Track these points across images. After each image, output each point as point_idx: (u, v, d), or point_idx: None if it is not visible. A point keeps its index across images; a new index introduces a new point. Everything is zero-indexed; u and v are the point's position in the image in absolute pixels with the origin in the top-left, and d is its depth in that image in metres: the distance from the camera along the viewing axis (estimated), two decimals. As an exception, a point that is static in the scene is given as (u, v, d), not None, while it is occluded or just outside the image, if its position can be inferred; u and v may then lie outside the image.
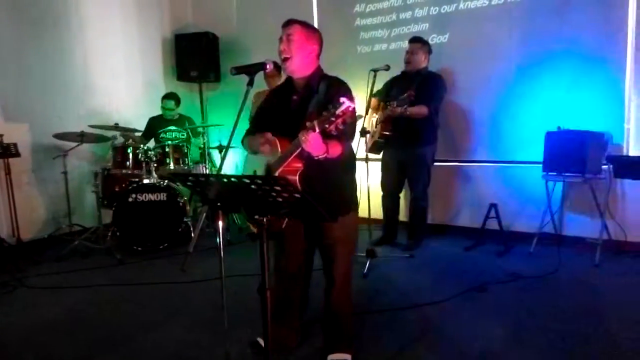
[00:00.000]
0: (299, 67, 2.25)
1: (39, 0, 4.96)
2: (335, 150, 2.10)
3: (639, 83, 4.08)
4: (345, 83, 2.32)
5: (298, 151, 2.00)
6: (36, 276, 3.98)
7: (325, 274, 2.43)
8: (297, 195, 1.55)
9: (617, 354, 2.47)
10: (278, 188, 1.53)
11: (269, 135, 2.18)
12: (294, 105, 2.28)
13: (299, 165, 2.09)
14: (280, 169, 2.08)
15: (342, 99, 1.83)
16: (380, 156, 4.57)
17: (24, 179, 4.85)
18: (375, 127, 4.38)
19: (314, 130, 1.90)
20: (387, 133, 4.24)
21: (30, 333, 2.94)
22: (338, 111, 1.83)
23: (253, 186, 1.57)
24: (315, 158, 2.02)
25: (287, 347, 2.54)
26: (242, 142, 2.46)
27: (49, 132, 4.52)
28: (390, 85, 4.40)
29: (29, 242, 4.71)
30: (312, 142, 1.94)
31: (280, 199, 1.58)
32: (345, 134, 2.13)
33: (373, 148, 4.38)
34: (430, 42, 4.84)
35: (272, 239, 2.37)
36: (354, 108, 1.85)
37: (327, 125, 1.86)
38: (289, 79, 2.35)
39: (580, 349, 2.52)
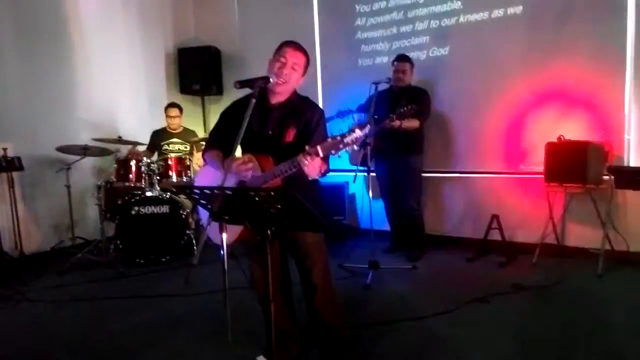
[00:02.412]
0: (286, 93, 2.33)
1: (43, 13, 5.02)
2: (324, 169, 2.18)
3: (639, 94, 4.10)
4: (318, 106, 2.42)
5: (293, 171, 2.04)
6: (39, 289, 3.98)
7: (305, 282, 2.41)
8: (278, 205, 1.58)
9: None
10: (258, 199, 1.56)
11: (248, 156, 2.18)
12: (272, 123, 2.31)
13: (278, 182, 2.13)
14: (263, 186, 2.10)
15: (356, 129, 1.90)
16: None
17: (27, 193, 4.87)
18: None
19: (318, 155, 1.96)
20: (379, 145, 4.34)
21: (33, 346, 2.94)
22: (348, 139, 1.90)
23: (257, 198, 1.59)
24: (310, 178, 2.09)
25: (290, 357, 2.53)
26: (204, 154, 2.47)
27: (52, 145, 4.54)
28: (380, 100, 4.42)
29: (31, 255, 4.73)
30: (315, 166, 2.02)
31: (283, 212, 1.60)
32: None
33: (364, 160, 4.41)
34: (430, 54, 4.93)
35: (250, 250, 2.41)
36: (360, 137, 1.91)
37: (333, 152, 1.93)
38: (262, 94, 2.30)
39: (584, 360, 2.51)
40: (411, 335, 2.87)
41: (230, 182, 2.15)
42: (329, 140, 1.93)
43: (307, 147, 1.97)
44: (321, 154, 1.95)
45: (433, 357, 2.62)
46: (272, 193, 1.61)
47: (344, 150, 1.93)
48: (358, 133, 1.88)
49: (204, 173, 2.47)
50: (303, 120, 2.28)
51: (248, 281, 2.47)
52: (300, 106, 2.34)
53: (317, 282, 2.37)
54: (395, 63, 4.54)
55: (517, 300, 3.40)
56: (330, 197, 5.33)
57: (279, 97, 2.33)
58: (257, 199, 1.62)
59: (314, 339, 2.54)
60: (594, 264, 3.89)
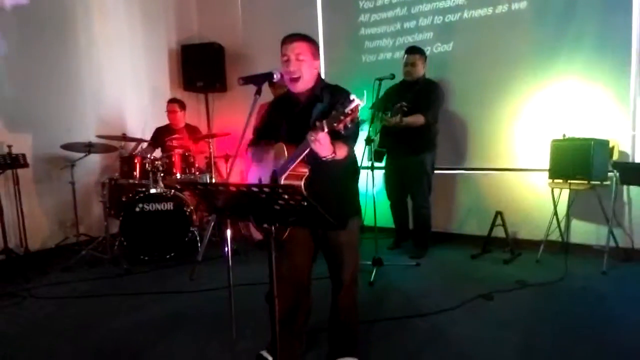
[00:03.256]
0: (307, 84, 2.27)
1: (46, 11, 5.02)
2: (342, 151, 2.12)
3: (644, 90, 4.08)
4: (344, 88, 2.33)
5: (306, 152, 2.00)
6: (44, 286, 4.00)
7: (333, 278, 2.43)
8: (304, 203, 1.56)
9: (626, 362, 2.46)
10: (285, 196, 1.54)
11: (278, 145, 2.21)
12: (297, 115, 2.29)
13: (305, 170, 2.10)
14: (286, 174, 2.09)
15: (352, 97, 1.84)
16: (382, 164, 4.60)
17: (32, 190, 4.88)
18: (376, 135, 4.42)
19: (323, 130, 1.90)
20: (381, 149, 4.34)
21: (38, 343, 2.95)
22: (348, 109, 1.83)
23: (262, 195, 1.59)
24: (323, 159, 2.02)
25: (295, 356, 2.54)
26: (247, 152, 2.49)
27: (57, 142, 4.56)
28: (391, 94, 4.40)
29: (36, 252, 4.74)
30: (321, 142, 1.94)
31: (288, 207, 1.59)
32: (351, 136, 2.16)
33: (374, 156, 4.41)
34: (434, 51, 4.89)
35: (276, 247, 2.38)
36: (360, 104, 1.84)
37: (336, 124, 1.86)
38: (288, 92, 2.35)
39: (587, 357, 2.50)
40: (415, 332, 2.87)
41: (267, 174, 2.20)
42: (333, 113, 1.87)
43: (316, 123, 1.92)
44: (325, 128, 1.89)
45: (437, 353, 2.62)
46: (299, 196, 1.57)
47: (349, 124, 1.86)
48: (357, 101, 1.83)
49: (251, 169, 2.49)
50: (329, 106, 2.15)
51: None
52: (325, 93, 2.27)
53: (344, 281, 2.39)
54: (406, 56, 4.47)
55: (521, 297, 3.40)
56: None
57: (302, 92, 2.29)
58: (262, 195, 1.60)
59: (328, 334, 2.54)
60: (599, 260, 3.87)
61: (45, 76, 5.01)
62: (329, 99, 2.24)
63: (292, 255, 2.35)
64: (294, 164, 2.07)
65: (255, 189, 1.62)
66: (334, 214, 1.59)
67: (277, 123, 2.36)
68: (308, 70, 2.23)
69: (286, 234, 2.07)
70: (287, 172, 2.09)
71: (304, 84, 2.25)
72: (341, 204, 2.25)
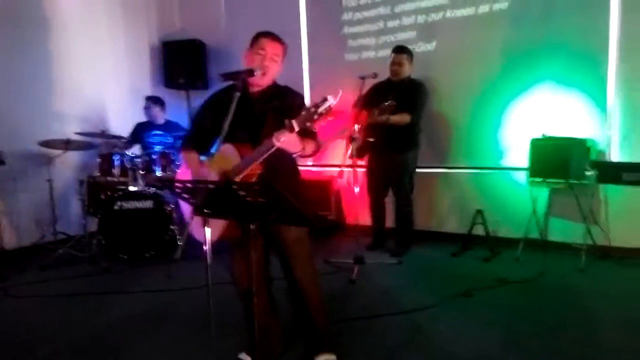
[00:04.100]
0: (267, 83, 2.33)
1: (23, 5, 4.93)
2: (311, 147, 2.19)
3: (622, 90, 4.15)
4: (299, 93, 2.42)
5: (270, 152, 2.01)
6: (20, 285, 3.93)
7: (288, 278, 2.40)
8: (261, 199, 1.57)
9: (604, 357, 2.49)
10: (242, 193, 1.55)
11: (226, 146, 2.15)
12: (252, 115, 2.28)
13: (258, 168, 2.10)
14: (242, 174, 2.07)
15: (328, 97, 1.87)
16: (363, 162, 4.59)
17: (9, 187, 4.79)
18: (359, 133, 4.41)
19: (292, 130, 1.92)
20: (370, 139, 4.28)
21: (15, 342, 2.90)
22: (322, 109, 1.87)
23: (241, 192, 1.58)
24: (295, 156, 2.10)
25: (273, 354, 2.53)
26: (181, 150, 2.47)
27: (34, 139, 4.47)
28: (374, 93, 4.41)
29: (13, 250, 4.66)
30: (289, 141, 2.00)
31: (268, 204, 1.58)
32: (315, 133, 2.23)
33: (356, 152, 4.40)
34: (417, 50, 4.90)
35: (230, 245, 2.40)
36: (333, 105, 1.88)
37: (309, 124, 1.90)
38: (237, 86, 2.26)
39: (566, 352, 2.54)
40: (396, 330, 2.88)
41: (212, 176, 2.15)
42: (303, 113, 1.91)
43: (286, 122, 1.94)
44: (296, 128, 1.92)
45: (417, 351, 2.63)
46: (256, 186, 1.59)
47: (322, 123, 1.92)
48: (330, 101, 1.86)
49: (182, 172, 2.46)
50: (284, 107, 2.23)
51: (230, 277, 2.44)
52: (280, 94, 2.33)
53: (300, 278, 2.37)
54: (392, 55, 4.47)
55: (501, 294, 3.43)
56: (316, 193, 5.32)
57: (258, 88, 2.33)
58: (241, 192, 1.60)
59: (299, 333, 2.53)
60: (577, 258, 3.93)
61: (22, 72, 4.91)
62: (282, 100, 2.29)
63: (243, 253, 2.33)
64: (255, 164, 2.07)
65: (235, 187, 1.61)
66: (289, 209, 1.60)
67: (217, 119, 2.21)
68: (274, 73, 2.32)
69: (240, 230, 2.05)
70: (245, 173, 2.07)
71: (267, 81, 2.31)
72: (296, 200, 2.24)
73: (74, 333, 3.01)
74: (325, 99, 1.86)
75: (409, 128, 4.36)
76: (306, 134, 2.07)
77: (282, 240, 2.33)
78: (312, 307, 2.42)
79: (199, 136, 2.38)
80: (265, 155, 2.03)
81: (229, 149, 2.14)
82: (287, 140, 1.97)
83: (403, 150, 4.45)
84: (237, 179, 2.07)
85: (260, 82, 2.29)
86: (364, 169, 4.67)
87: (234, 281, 2.45)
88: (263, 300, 2.44)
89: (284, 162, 2.20)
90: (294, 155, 2.11)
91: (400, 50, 4.48)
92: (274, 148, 1.99)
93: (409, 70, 4.48)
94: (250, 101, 2.31)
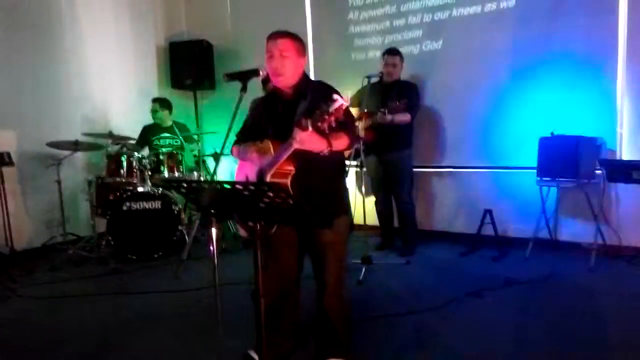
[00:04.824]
0: (290, 80, 2.27)
1: (32, 7, 4.96)
2: (342, 142, 2.13)
3: (631, 87, 4.11)
4: (329, 85, 2.34)
5: (290, 151, 2.00)
6: (30, 286, 3.95)
7: (317, 279, 2.39)
8: (290, 201, 1.55)
9: (614, 357, 2.46)
10: (271, 194, 1.53)
11: (265, 142, 2.19)
12: (283, 112, 2.28)
13: (291, 168, 2.09)
14: (272, 172, 2.08)
15: (335, 97, 1.85)
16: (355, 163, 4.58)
17: (18, 188, 4.82)
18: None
19: (306, 129, 1.90)
20: (372, 138, 4.31)
21: (23, 343, 2.92)
22: (331, 109, 1.84)
23: (246, 192, 1.57)
24: (319, 154, 2.03)
25: (282, 355, 2.52)
26: (232, 151, 2.47)
27: (43, 140, 4.50)
28: (367, 94, 4.38)
29: (22, 251, 4.68)
30: (305, 141, 1.95)
31: (274, 205, 1.57)
32: (350, 127, 2.18)
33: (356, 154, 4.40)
34: (423, 48, 4.91)
35: (262, 245, 2.37)
36: (347, 106, 1.86)
37: (319, 123, 1.86)
38: (274, 89, 2.35)
39: (576, 353, 2.51)
40: (404, 330, 2.87)
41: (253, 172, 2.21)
42: (317, 112, 1.88)
43: (302, 121, 1.92)
44: (309, 127, 1.89)
45: (426, 351, 2.61)
46: (283, 193, 1.56)
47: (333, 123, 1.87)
48: (340, 100, 1.84)
49: (240, 166, 2.47)
50: (314, 102, 2.12)
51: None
52: (310, 89, 2.27)
53: (328, 282, 2.35)
54: (386, 56, 4.49)
55: (510, 295, 3.40)
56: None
57: (286, 88, 2.29)
58: (246, 193, 1.59)
59: (315, 334, 2.51)
60: (587, 258, 3.90)
61: (31, 73, 4.95)
62: (312, 95, 2.23)
63: (278, 254, 2.34)
64: (280, 162, 2.06)
65: (240, 187, 1.61)
66: (319, 212, 1.58)
67: (263, 121, 2.35)
68: (292, 67, 2.23)
69: (273, 229, 2.04)
70: (273, 170, 2.08)
71: (286, 80, 2.24)
72: (327, 203, 2.23)
73: (83, 333, 3.02)
74: (334, 100, 1.84)
75: (407, 127, 4.43)
76: (339, 127, 1.98)
77: (316, 243, 2.32)
78: (336, 312, 2.41)
79: (246, 136, 2.41)
80: (286, 155, 2.02)
81: (266, 144, 2.17)
82: (303, 139, 1.94)
83: (403, 147, 4.48)
84: (268, 175, 2.08)
85: (282, 83, 2.25)
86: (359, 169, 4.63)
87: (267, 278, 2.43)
88: (292, 302, 2.46)
89: (321, 162, 2.12)
90: (323, 153, 2.02)
91: (394, 52, 4.52)
92: (292, 148, 1.98)
93: (400, 71, 4.54)
94: (280, 101, 2.31)
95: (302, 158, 2.06)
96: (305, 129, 1.90)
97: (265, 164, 2.15)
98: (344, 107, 1.84)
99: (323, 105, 1.86)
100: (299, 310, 2.62)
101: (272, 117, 2.31)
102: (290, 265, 2.43)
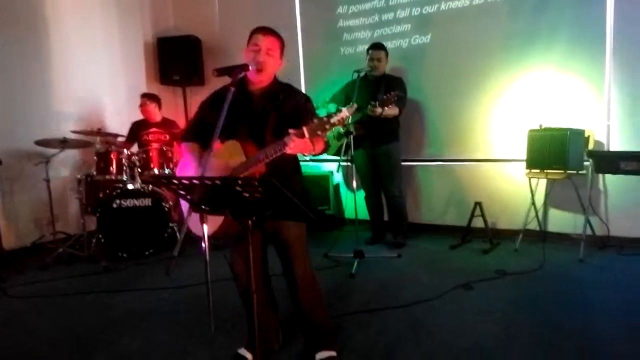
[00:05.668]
0: (267, 79, 2.29)
1: (19, 4, 4.90)
2: (320, 146, 2.17)
3: (619, 79, 4.14)
4: (301, 91, 2.42)
5: (278, 154, 2.03)
6: (19, 285, 3.91)
7: (287, 274, 2.40)
8: (260, 190, 1.57)
9: (603, 347, 2.50)
10: (239, 188, 1.55)
11: (232, 142, 2.19)
12: (254, 110, 2.28)
13: (262, 167, 2.11)
14: (246, 172, 2.10)
15: (343, 109, 1.92)
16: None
17: (6, 187, 4.78)
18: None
19: (303, 136, 1.93)
20: (361, 132, 4.33)
21: (13, 343, 2.90)
22: (335, 119, 1.89)
23: (238, 188, 1.57)
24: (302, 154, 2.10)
25: (272, 350, 2.53)
26: (183, 141, 2.46)
27: (30, 138, 4.44)
28: (355, 88, 4.38)
29: (12, 251, 4.64)
30: (299, 147, 2.00)
31: (264, 200, 1.58)
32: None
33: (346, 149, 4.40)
34: (412, 42, 4.92)
35: (231, 242, 2.39)
36: (348, 116, 1.93)
37: (320, 132, 1.92)
38: (243, 85, 2.29)
39: (566, 343, 2.54)
40: (396, 323, 2.88)
41: (210, 173, 2.12)
42: (315, 121, 1.92)
43: (291, 130, 1.95)
44: (307, 135, 1.93)
45: (418, 343, 2.63)
46: (255, 182, 1.59)
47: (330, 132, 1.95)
48: (345, 113, 1.89)
49: (184, 164, 2.43)
50: (287, 106, 2.25)
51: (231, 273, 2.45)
52: (282, 92, 2.30)
53: (298, 276, 2.36)
54: (371, 51, 4.52)
55: (501, 286, 3.43)
56: (314, 188, 5.34)
57: (259, 85, 2.29)
58: (238, 188, 1.59)
59: (299, 329, 2.53)
60: (576, 248, 3.93)
61: (18, 71, 4.89)
62: (284, 98, 2.27)
63: (243, 251, 2.33)
64: (262, 162, 2.08)
65: (240, 182, 1.61)
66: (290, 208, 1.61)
67: (231, 117, 2.17)
68: (271, 68, 2.26)
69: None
70: (249, 171, 2.09)
71: (265, 77, 2.27)
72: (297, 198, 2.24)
73: (73, 332, 3.00)
74: (339, 110, 1.90)
75: (394, 121, 4.46)
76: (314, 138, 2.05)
77: (283, 238, 2.32)
78: (311, 304, 2.42)
79: (200, 131, 2.37)
80: (273, 157, 2.05)
81: (234, 145, 2.17)
82: (297, 146, 1.99)
83: (391, 140, 4.52)
84: (242, 176, 2.08)
85: (259, 78, 2.25)
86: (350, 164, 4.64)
87: (235, 278, 2.44)
88: (261, 297, 2.43)
89: (286, 161, 2.19)
90: (305, 155, 2.13)
91: (379, 46, 4.55)
92: (282, 152, 2.01)
93: (385, 66, 4.56)
94: (251, 98, 2.30)
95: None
96: (302, 136, 1.93)
97: (238, 167, 2.14)
98: (345, 118, 1.91)
99: (324, 116, 1.92)
100: (277, 306, 2.63)
101: (246, 117, 2.27)
102: (260, 259, 2.44)
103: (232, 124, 2.20)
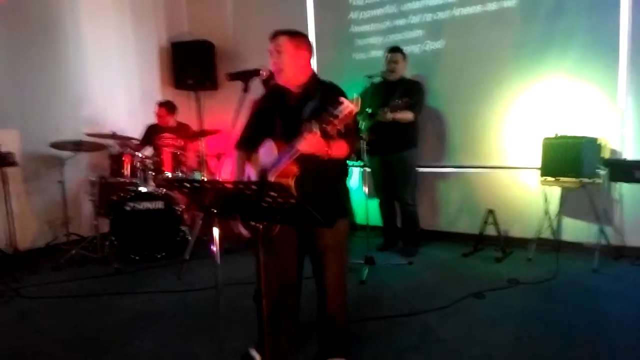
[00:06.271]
0: (293, 77, 2.28)
1: (35, 8, 4.97)
2: (341, 149, 2.13)
3: (634, 87, 4.09)
4: (339, 87, 2.36)
5: (294, 152, 2.00)
6: (33, 286, 3.95)
7: (317, 283, 2.39)
8: (292, 200, 1.55)
9: (615, 359, 2.46)
10: (273, 194, 1.53)
11: (267, 143, 2.20)
12: (289, 111, 2.29)
13: (295, 169, 2.09)
14: (276, 172, 2.08)
15: (342, 99, 1.85)
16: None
17: (21, 189, 4.83)
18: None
19: (311, 131, 1.90)
20: (372, 137, 4.30)
21: (26, 343, 2.92)
22: (337, 112, 1.84)
23: (248, 192, 1.57)
24: (322, 158, 2.04)
25: (283, 355, 2.52)
26: (235, 151, 2.48)
27: (46, 141, 4.50)
28: (371, 93, 4.38)
29: (25, 251, 4.69)
30: (310, 143, 1.96)
31: (275, 205, 1.57)
32: (352, 134, 2.16)
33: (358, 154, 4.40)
34: (425, 48, 4.91)
35: (264, 246, 2.37)
36: (353, 109, 1.85)
37: (325, 126, 1.87)
38: (279, 86, 2.34)
39: (579, 355, 2.51)
40: (406, 331, 2.86)
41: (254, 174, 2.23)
42: (323, 114, 1.88)
43: (306, 124, 1.94)
44: (315, 130, 1.90)
45: (428, 352, 2.61)
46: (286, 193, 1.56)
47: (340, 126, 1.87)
48: (347, 104, 1.83)
49: (233, 172, 2.49)
50: (320, 105, 2.15)
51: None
52: (319, 88, 2.30)
53: (327, 286, 2.36)
54: (388, 55, 4.49)
55: (513, 296, 3.39)
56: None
57: (289, 84, 2.31)
58: (273, 193, 1.57)
59: (317, 335, 2.51)
60: (590, 258, 3.88)
61: (33, 74, 4.95)
62: (320, 96, 2.23)
63: (278, 255, 2.34)
64: (285, 162, 2.06)
65: (241, 187, 1.61)
66: (321, 213, 1.58)
67: (269, 118, 2.34)
68: (291, 62, 2.26)
69: (276, 230, 2.05)
70: (278, 171, 2.08)
71: (288, 76, 2.27)
72: (329, 204, 2.23)
73: (84, 333, 3.02)
74: (340, 102, 1.84)
75: (410, 126, 4.40)
76: (340, 134, 1.99)
77: (318, 246, 2.32)
78: (336, 311, 2.42)
79: (249, 137, 2.42)
80: (292, 157, 2.02)
81: (269, 146, 2.19)
82: (309, 143, 1.96)
83: (406, 148, 4.46)
84: (272, 175, 2.08)
85: (283, 79, 2.27)
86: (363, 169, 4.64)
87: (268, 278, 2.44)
88: (296, 301, 2.47)
89: (333, 164, 2.15)
90: (322, 157, 2.05)
91: (396, 50, 4.53)
92: (297, 150, 1.99)
93: (403, 69, 4.52)
94: (287, 97, 2.33)
95: (305, 159, 2.06)
96: (311, 131, 1.91)
97: (269, 164, 2.15)
98: (349, 111, 1.84)
99: (330, 108, 1.85)
100: (299, 312, 2.62)
101: (279, 115, 2.31)
102: (290, 266, 2.42)
103: (274, 121, 2.27)
